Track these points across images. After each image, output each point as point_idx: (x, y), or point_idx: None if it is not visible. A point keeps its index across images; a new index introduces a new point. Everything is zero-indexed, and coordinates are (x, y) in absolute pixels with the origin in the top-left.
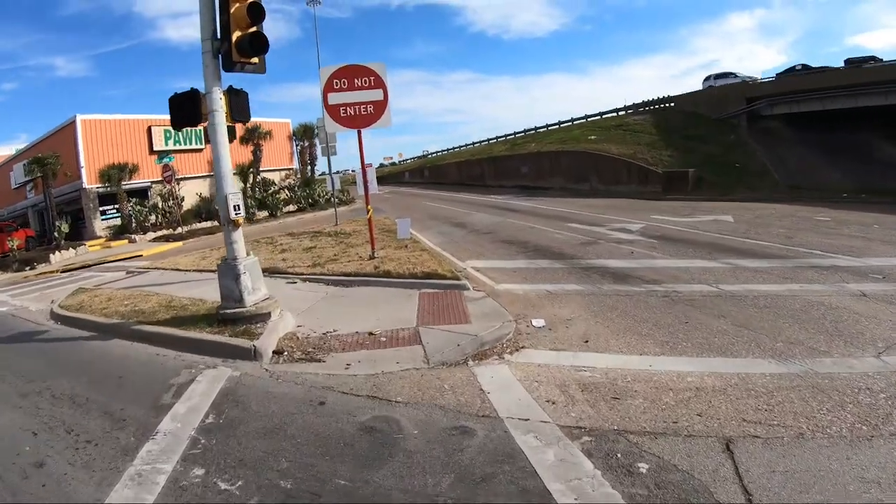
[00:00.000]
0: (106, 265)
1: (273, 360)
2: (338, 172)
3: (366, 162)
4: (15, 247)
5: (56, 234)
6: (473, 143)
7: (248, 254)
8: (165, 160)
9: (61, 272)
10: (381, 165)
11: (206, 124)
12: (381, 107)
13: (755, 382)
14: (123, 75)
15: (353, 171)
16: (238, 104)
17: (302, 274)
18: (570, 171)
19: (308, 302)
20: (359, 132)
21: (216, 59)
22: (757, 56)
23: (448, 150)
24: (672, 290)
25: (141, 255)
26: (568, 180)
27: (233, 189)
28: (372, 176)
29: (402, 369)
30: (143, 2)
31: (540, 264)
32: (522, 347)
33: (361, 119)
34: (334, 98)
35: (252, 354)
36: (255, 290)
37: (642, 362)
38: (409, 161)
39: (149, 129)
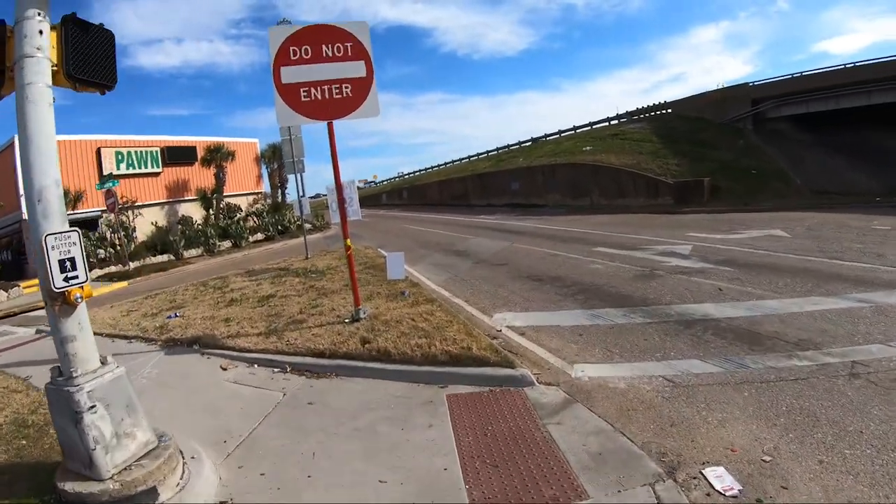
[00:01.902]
0: (28, 314)
1: None
2: (314, 196)
3: (344, 178)
4: None
5: None
6: (453, 161)
7: (105, 362)
8: (108, 185)
9: None
10: (359, 188)
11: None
12: (363, 86)
13: None
14: (97, 102)
15: (312, 197)
16: (84, 48)
17: (249, 351)
18: (568, 185)
19: (250, 421)
20: (329, 126)
21: None
22: (723, 67)
23: (425, 169)
24: (848, 359)
25: None
26: (565, 196)
27: (59, 224)
28: (353, 195)
29: None
30: (115, 28)
31: (608, 317)
32: None
33: (334, 106)
34: (290, 74)
35: None
36: (125, 436)
37: None
38: (385, 182)
39: (98, 151)
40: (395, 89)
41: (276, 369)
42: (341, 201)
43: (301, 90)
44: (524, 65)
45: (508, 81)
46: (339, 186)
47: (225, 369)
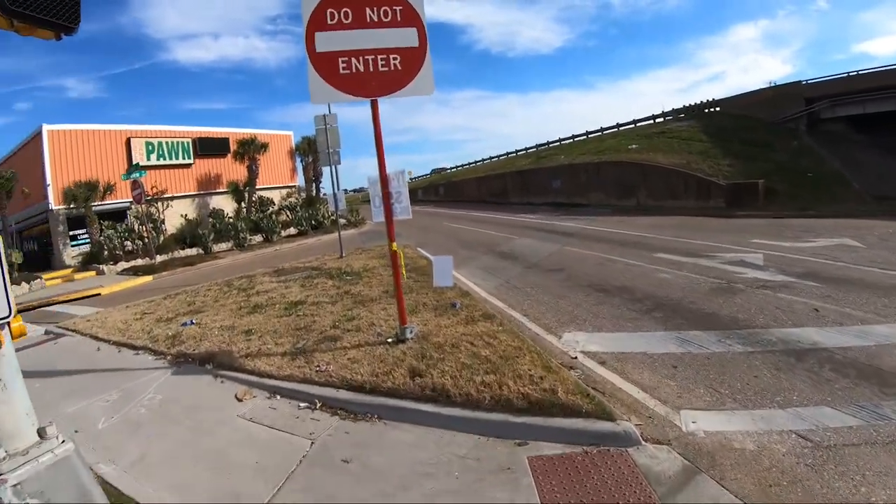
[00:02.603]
0: (46, 309)
1: None
2: (358, 190)
3: (390, 169)
4: None
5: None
6: (491, 158)
7: (45, 435)
8: (134, 175)
9: None
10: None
11: None
12: (415, 58)
13: None
14: (134, 96)
15: (356, 190)
16: None
17: (270, 376)
18: (613, 184)
19: (266, 485)
20: (373, 105)
21: None
22: (762, 66)
23: (462, 165)
24: None
25: (99, 294)
26: (610, 195)
27: None
28: (401, 189)
29: None
30: (154, 24)
31: (700, 342)
32: None
33: (379, 81)
34: (327, 41)
35: None
36: None
37: None
38: (420, 178)
39: (128, 141)
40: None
41: (302, 404)
42: (386, 196)
43: (339, 60)
44: (559, 63)
45: (543, 79)
46: (384, 179)
47: (241, 400)
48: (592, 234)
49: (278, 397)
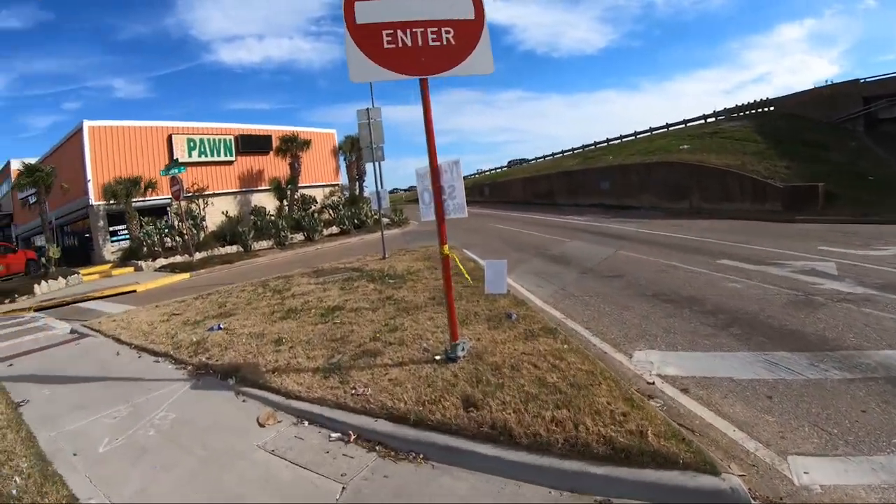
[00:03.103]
0: (80, 305)
1: None
2: (392, 191)
3: (442, 160)
4: None
5: (45, 259)
6: (536, 159)
7: None
8: (173, 171)
9: (35, 310)
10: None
11: None
12: (470, 32)
13: None
14: (179, 96)
15: (405, 190)
16: None
17: (299, 397)
18: (664, 186)
19: None
20: (423, 85)
21: None
22: (809, 67)
23: (505, 166)
24: None
25: (134, 291)
26: (661, 197)
27: None
28: (455, 183)
29: None
30: (199, 26)
31: (790, 366)
32: None
33: (430, 56)
34: (369, 11)
35: None
36: None
37: None
38: (465, 178)
39: (169, 138)
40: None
41: (334, 434)
42: (437, 191)
43: (384, 33)
44: (603, 63)
45: (587, 80)
46: (434, 170)
47: (263, 425)
48: (647, 238)
49: (306, 424)
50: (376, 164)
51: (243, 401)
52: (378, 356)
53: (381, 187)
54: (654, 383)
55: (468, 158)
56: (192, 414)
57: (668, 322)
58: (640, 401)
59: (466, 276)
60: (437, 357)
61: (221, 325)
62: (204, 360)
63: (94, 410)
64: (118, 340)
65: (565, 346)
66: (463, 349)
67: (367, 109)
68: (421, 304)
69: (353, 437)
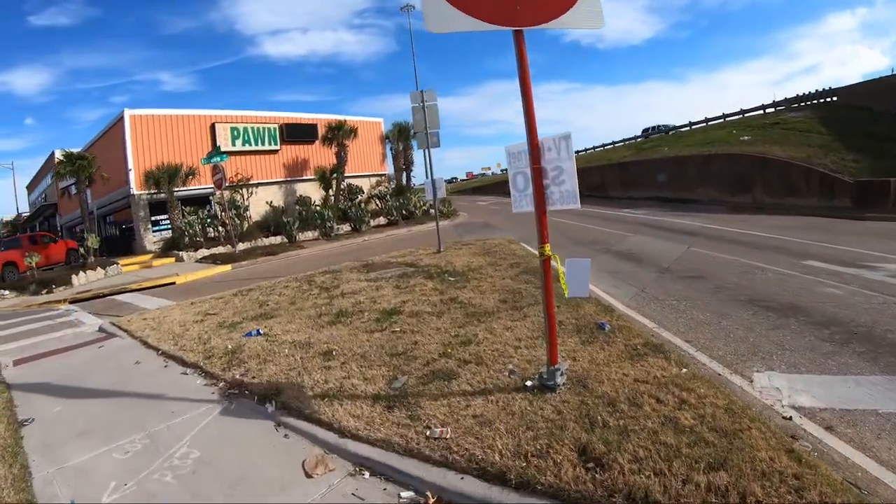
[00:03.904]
0: (116, 298)
1: None
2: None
3: (543, 133)
4: (34, 264)
5: (83, 249)
6: (586, 149)
7: None
8: (215, 159)
9: (70, 302)
10: (482, 175)
11: None
12: None
13: None
14: (225, 89)
15: (447, 181)
16: None
17: (357, 436)
18: (724, 179)
19: None
20: (518, 38)
21: None
22: (860, 57)
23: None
24: None
25: (174, 283)
26: (721, 191)
27: None
28: (563, 164)
29: None
30: (244, 20)
31: None
32: None
33: (526, 3)
34: None
35: None
36: None
37: None
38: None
39: (212, 126)
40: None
41: (405, 493)
42: (538, 175)
43: None
44: (649, 54)
45: (632, 71)
46: (534, 147)
47: (310, 475)
48: (716, 234)
49: (367, 475)
50: (430, 151)
51: (285, 436)
52: (453, 379)
53: (435, 175)
54: (791, 418)
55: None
56: (220, 452)
57: (777, 335)
58: (806, 455)
59: (564, 286)
60: (529, 383)
61: (261, 330)
62: (238, 375)
63: (105, 439)
64: (145, 344)
65: (683, 370)
66: (561, 375)
67: (421, 92)
68: (491, 308)
69: (431, 499)
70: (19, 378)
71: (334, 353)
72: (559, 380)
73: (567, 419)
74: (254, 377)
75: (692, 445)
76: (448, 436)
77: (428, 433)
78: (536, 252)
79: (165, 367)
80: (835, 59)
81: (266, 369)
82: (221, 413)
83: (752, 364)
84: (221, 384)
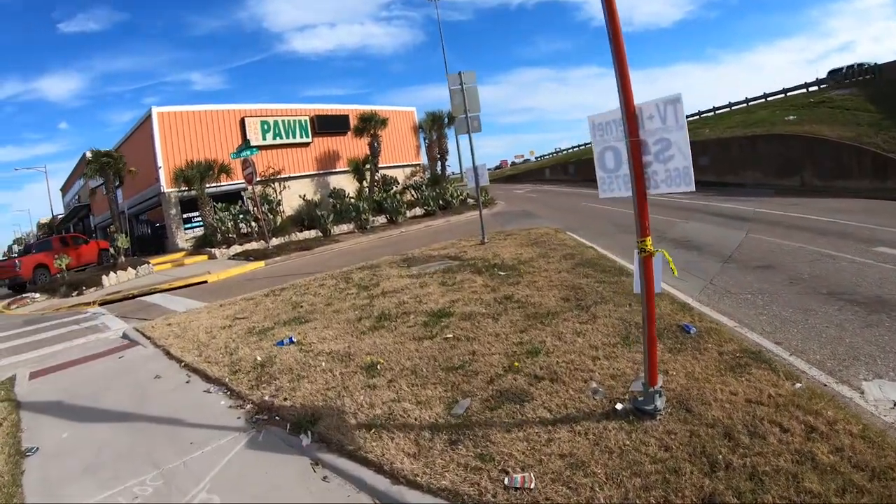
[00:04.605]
0: (145, 299)
1: None
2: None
3: (642, 100)
4: (64, 266)
5: (113, 250)
6: None
7: None
8: (244, 154)
9: (99, 304)
10: (514, 163)
11: None
12: None
13: None
14: (255, 85)
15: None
16: None
17: (413, 482)
18: (770, 161)
19: None
20: None
21: None
22: (894, 34)
23: (586, 144)
24: None
25: (205, 282)
26: (767, 174)
27: None
28: (671, 136)
29: None
30: (270, 18)
31: None
32: None
33: None
34: None
35: None
36: None
37: None
38: (545, 157)
39: (242, 121)
40: (548, 64)
41: None
42: (636, 150)
43: None
44: (678, 36)
45: (662, 54)
46: (631, 115)
47: None
48: (773, 219)
49: None
50: (471, 136)
51: (324, 479)
52: (526, 402)
53: (475, 163)
54: None
55: (545, 137)
56: (245, 500)
57: (872, 335)
58: None
59: (673, 268)
60: (620, 406)
61: (294, 338)
62: (268, 396)
63: (112, 478)
64: (168, 353)
65: (797, 385)
66: (661, 397)
67: (460, 73)
68: (554, 308)
69: None
70: (32, 395)
71: (379, 367)
72: (659, 404)
73: (680, 459)
74: (285, 398)
75: (842, 493)
76: (532, 485)
77: (506, 480)
78: (586, 242)
79: (187, 382)
80: (869, 36)
81: (300, 388)
82: (248, 445)
83: (857, 370)
84: (248, 406)
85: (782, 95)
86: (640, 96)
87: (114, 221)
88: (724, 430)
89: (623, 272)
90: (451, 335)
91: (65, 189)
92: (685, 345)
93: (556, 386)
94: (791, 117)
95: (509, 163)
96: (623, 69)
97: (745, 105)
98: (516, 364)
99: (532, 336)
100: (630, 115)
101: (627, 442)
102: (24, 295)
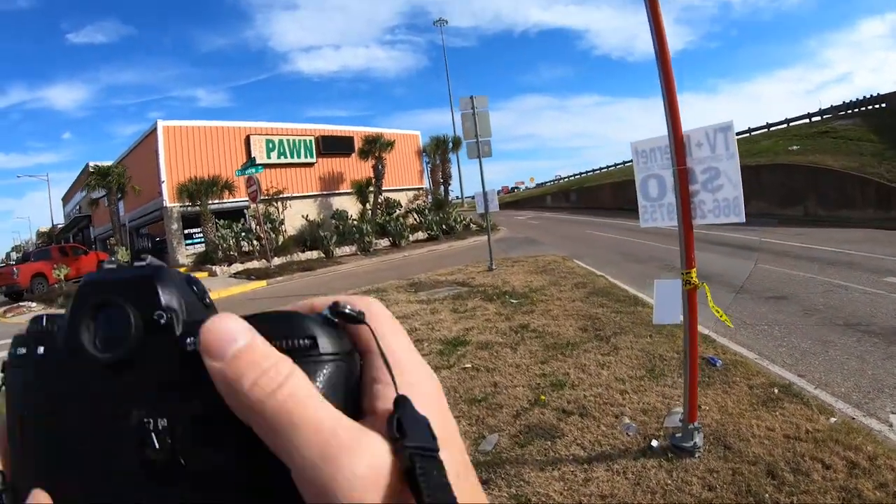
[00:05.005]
0: None
1: None
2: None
3: (690, 128)
4: (62, 276)
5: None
6: (625, 163)
7: None
8: (249, 171)
9: None
10: (514, 189)
11: None
12: None
13: None
14: (259, 104)
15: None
16: None
17: None
18: (774, 190)
19: None
20: None
21: None
22: (891, 65)
23: (587, 172)
24: None
25: None
26: (771, 203)
27: None
28: (720, 165)
29: None
30: (276, 38)
31: None
32: None
33: None
34: None
35: None
36: None
37: None
38: (545, 185)
39: (247, 139)
40: (548, 92)
41: None
42: (683, 178)
43: None
44: (680, 65)
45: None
46: (679, 142)
47: None
48: (780, 249)
49: None
50: (481, 161)
51: None
52: (557, 438)
53: (481, 188)
54: None
55: (545, 165)
56: None
57: (895, 366)
58: None
59: (724, 318)
60: (655, 443)
61: None
62: None
63: None
64: None
65: (832, 419)
66: (699, 434)
67: (472, 98)
68: (573, 338)
69: None
70: None
71: None
72: (698, 440)
73: (725, 499)
74: None
75: None
76: None
77: None
78: (595, 270)
79: None
80: (867, 67)
81: None
82: None
83: (883, 403)
84: None
85: (784, 125)
86: (638, 125)
87: (114, 234)
88: (766, 467)
89: (638, 302)
90: (468, 365)
91: (66, 199)
92: (713, 378)
93: (586, 421)
94: (795, 147)
95: (510, 189)
96: (672, 96)
97: (747, 135)
98: (542, 397)
99: (554, 367)
100: (678, 142)
101: (669, 481)
102: (20, 303)
